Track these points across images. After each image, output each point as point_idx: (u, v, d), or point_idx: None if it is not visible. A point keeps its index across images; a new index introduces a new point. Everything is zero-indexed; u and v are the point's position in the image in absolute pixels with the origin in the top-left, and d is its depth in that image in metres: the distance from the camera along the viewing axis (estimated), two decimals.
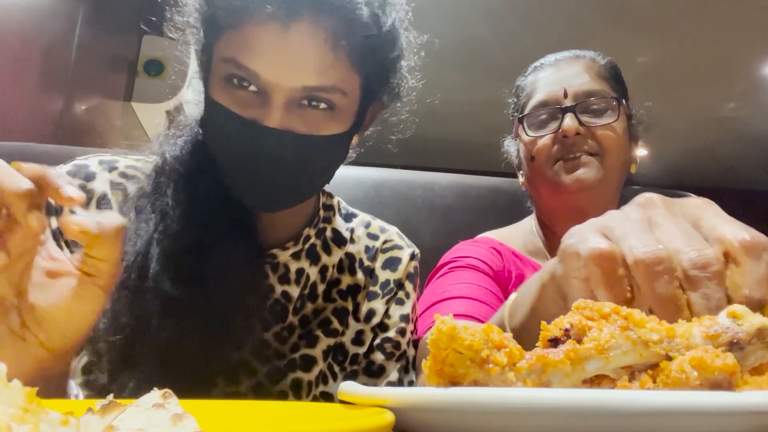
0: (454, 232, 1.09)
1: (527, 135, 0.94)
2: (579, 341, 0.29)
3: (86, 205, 0.68)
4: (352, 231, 0.85)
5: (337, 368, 0.78)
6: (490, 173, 1.41)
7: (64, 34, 1.70)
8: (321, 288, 0.79)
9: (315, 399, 0.75)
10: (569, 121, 0.88)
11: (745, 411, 0.24)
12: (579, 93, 0.91)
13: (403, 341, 0.81)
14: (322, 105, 0.65)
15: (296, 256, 0.78)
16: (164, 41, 2.05)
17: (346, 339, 0.79)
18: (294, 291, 0.77)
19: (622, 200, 0.93)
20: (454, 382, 0.29)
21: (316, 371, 0.75)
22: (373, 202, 1.21)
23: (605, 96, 0.92)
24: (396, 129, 0.80)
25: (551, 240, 0.97)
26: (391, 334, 0.80)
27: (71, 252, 0.62)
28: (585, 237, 0.38)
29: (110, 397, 0.26)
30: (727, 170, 4.23)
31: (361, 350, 0.79)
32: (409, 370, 0.81)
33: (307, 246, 0.79)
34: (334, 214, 0.85)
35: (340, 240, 0.83)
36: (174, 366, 0.63)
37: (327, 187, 0.82)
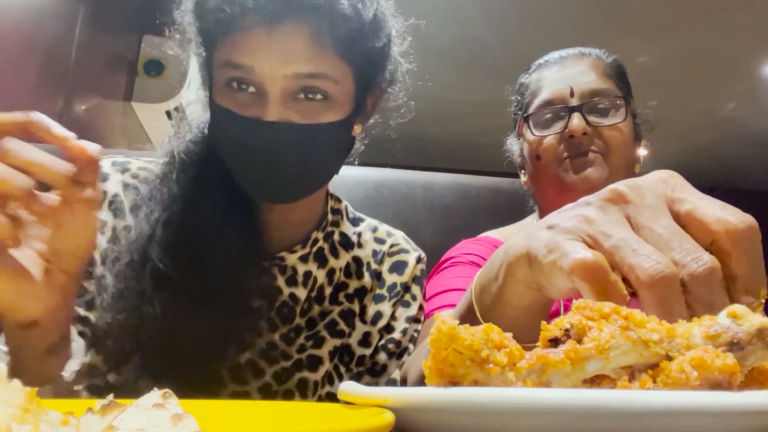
0: (455, 231, 1.09)
1: (532, 134, 0.93)
2: (579, 341, 0.29)
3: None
4: (359, 235, 0.86)
5: (343, 369, 0.79)
6: (490, 173, 1.41)
7: (64, 34, 1.70)
8: (328, 290, 0.81)
9: (320, 399, 0.77)
10: (576, 121, 0.88)
11: (745, 411, 0.24)
12: (585, 92, 0.90)
13: (406, 340, 0.82)
14: (318, 96, 0.67)
15: (304, 258, 0.80)
16: (164, 41, 2.05)
17: (353, 341, 0.81)
18: (301, 293, 0.78)
19: None
20: (454, 382, 0.29)
21: (322, 371, 0.77)
22: (373, 202, 1.21)
23: (612, 95, 0.91)
24: (396, 114, 0.82)
25: None
26: (396, 335, 0.81)
27: None
28: (564, 248, 0.35)
29: (110, 397, 0.26)
30: (727, 170, 4.23)
31: (368, 351, 0.81)
32: None
33: (314, 249, 0.81)
34: (342, 218, 0.86)
35: (347, 244, 0.84)
36: (183, 366, 0.64)
37: (328, 187, 0.83)
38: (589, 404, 0.25)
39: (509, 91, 1.06)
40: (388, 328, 0.82)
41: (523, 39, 2.72)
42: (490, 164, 2.03)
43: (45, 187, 0.47)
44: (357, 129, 0.75)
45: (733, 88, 3.23)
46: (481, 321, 0.40)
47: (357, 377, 0.80)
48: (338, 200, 0.87)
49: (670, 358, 0.28)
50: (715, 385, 0.26)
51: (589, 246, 0.35)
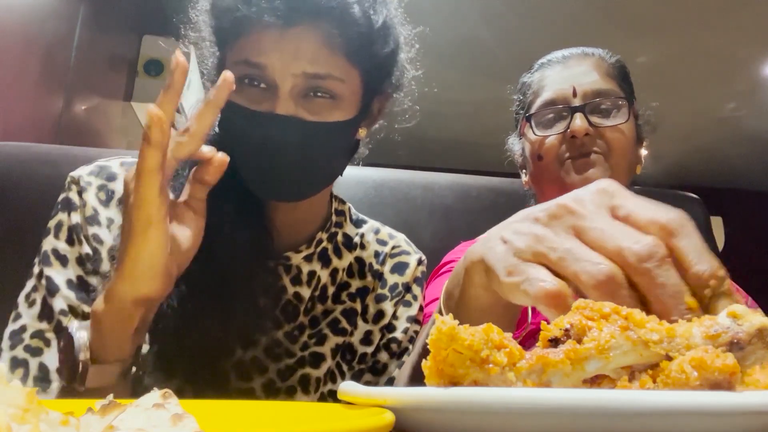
0: (455, 232, 1.09)
1: (534, 134, 0.92)
2: (579, 341, 0.29)
3: (107, 203, 0.72)
4: (362, 236, 0.88)
5: (345, 367, 0.81)
6: (490, 173, 1.41)
7: (64, 34, 1.70)
8: (331, 290, 0.82)
9: (323, 396, 0.78)
10: (579, 122, 0.87)
11: (745, 411, 0.24)
12: (588, 92, 0.90)
13: (406, 340, 0.84)
14: (326, 95, 0.69)
15: (308, 258, 0.81)
16: (164, 41, 2.05)
17: (355, 339, 0.82)
18: (305, 292, 0.80)
19: None
20: (454, 382, 0.29)
21: (324, 368, 0.78)
22: (373, 202, 1.21)
23: (615, 96, 0.90)
24: (401, 118, 0.84)
25: None
26: (398, 334, 0.83)
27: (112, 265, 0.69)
28: (528, 274, 0.37)
29: (110, 397, 0.26)
30: (728, 170, 4.23)
31: (369, 350, 0.82)
32: None
33: (319, 249, 0.82)
34: (346, 220, 0.88)
35: (350, 245, 0.86)
36: (192, 362, 0.67)
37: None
38: (589, 404, 0.25)
39: (511, 90, 1.06)
40: (390, 327, 0.83)
41: (523, 39, 2.72)
42: (490, 164, 2.03)
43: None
44: (362, 132, 0.77)
45: (733, 88, 3.22)
46: None
47: (358, 375, 0.82)
48: (342, 202, 0.89)
49: (670, 358, 0.28)
50: (715, 385, 0.26)
51: (540, 263, 0.38)
